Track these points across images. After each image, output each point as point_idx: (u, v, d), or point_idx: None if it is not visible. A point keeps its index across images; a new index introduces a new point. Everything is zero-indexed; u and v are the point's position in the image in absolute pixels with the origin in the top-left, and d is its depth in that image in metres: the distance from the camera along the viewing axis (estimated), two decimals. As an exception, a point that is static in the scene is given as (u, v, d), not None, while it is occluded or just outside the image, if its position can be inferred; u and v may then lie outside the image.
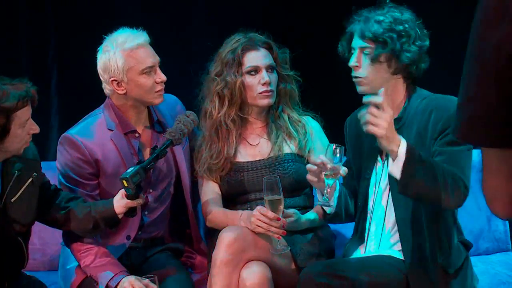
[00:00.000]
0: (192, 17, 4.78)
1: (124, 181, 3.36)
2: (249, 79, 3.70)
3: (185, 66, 4.35)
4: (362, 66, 3.35)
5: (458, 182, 3.20)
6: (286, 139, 3.75)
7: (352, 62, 3.37)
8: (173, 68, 3.83)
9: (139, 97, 3.65)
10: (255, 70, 3.70)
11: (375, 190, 3.47)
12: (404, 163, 3.14)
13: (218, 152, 3.73)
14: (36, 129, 3.36)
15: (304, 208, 3.74)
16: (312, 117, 3.86)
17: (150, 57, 3.63)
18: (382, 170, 3.43)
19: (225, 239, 3.41)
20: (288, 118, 3.77)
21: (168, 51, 3.79)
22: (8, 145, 3.29)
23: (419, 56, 3.35)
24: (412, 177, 3.16)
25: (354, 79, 3.38)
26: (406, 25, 3.32)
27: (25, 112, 3.29)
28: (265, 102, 3.70)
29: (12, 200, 3.37)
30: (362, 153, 3.54)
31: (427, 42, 3.38)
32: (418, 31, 3.35)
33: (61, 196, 3.55)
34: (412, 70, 3.36)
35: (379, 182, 3.45)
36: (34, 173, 3.44)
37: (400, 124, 3.34)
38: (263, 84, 3.68)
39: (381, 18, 3.32)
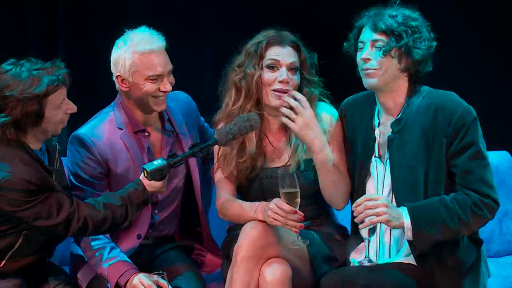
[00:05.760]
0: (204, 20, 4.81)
1: (144, 172, 3.37)
2: (267, 74, 3.54)
3: (196, 66, 4.39)
4: (373, 59, 3.35)
5: (481, 209, 3.26)
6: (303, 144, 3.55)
7: (364, 55, 3.36)
8: (183, 68, 3.83)
9: (140, 99, 3.60)
10: (275, 65, 3.53)
11: (377, 192, 3.44)
12: (412, 232, 3.25)
13: (243, 148, 3.58)
14: (73, 108, 3.39)
15: (317, 217, 3.65)
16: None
17: (160, 65, 3.54)
18: (384, 172, 3.41)
19: (248, 235, 3.34)
20: None
21: (178, 51, 3.78)
22: (45, 127, 3.34)
23: (428, 55, 3.37)
24: (425, 239, 3.26)
25: (364, 71, 3.36)
26: (418, 23, 3.35)
27: (58, 96, 3.32)
28: (277, 102, 3.51)
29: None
30: (355, 148, 3.52)
31: (434, 43, 3.40)
32: (426, 31, 3.37)
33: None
34: (420, 69, 3.37)
35: (383, 183, 3.43)
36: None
37: (401, 125, 3.35)
38: (280, 81, 3.52)
39: (394, 13, 3.35)
